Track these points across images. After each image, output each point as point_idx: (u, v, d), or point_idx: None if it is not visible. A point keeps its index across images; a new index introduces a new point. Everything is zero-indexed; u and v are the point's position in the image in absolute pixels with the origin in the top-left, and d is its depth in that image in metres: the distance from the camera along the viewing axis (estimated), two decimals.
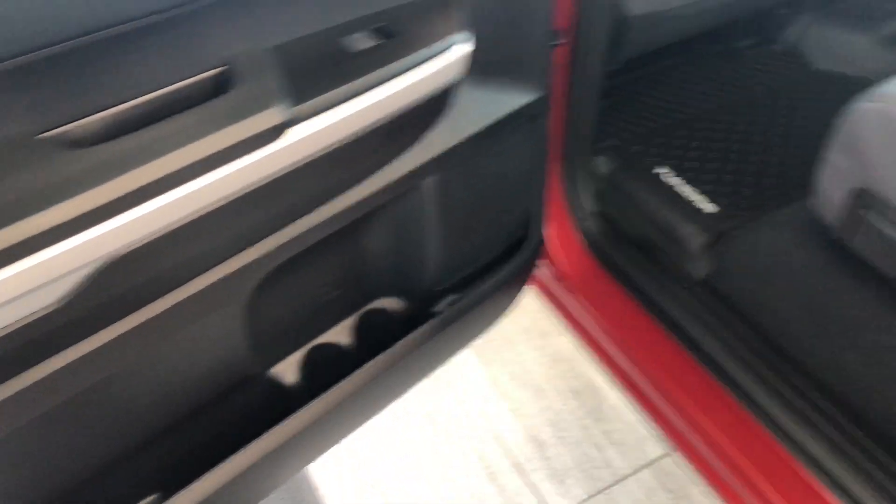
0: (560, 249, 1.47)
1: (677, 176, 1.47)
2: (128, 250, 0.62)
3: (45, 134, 0.57)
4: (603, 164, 1.52)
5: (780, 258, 1.24)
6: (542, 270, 1.54)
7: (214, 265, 0.72)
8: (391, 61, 0.74)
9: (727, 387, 1.17)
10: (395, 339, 1.00)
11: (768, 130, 1.56)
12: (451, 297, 1.12)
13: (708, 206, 1.40)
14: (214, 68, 0.64)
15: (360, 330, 1.05)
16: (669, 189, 1.44)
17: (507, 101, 0.98)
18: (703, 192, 1.43)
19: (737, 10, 1.58)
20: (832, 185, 1.09)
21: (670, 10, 1.42)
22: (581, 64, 1.26)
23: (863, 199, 1.05)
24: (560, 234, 1.47)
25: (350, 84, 0.71)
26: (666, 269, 1.36)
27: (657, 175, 1.48)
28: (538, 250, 1.25)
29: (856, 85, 1.16)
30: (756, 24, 1.76)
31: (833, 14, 1.79)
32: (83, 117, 0.59)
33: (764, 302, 1.23)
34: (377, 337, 1.01)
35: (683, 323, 1.29)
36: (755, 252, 1.27)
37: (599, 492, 1.49)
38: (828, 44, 1.75)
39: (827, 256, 1.18)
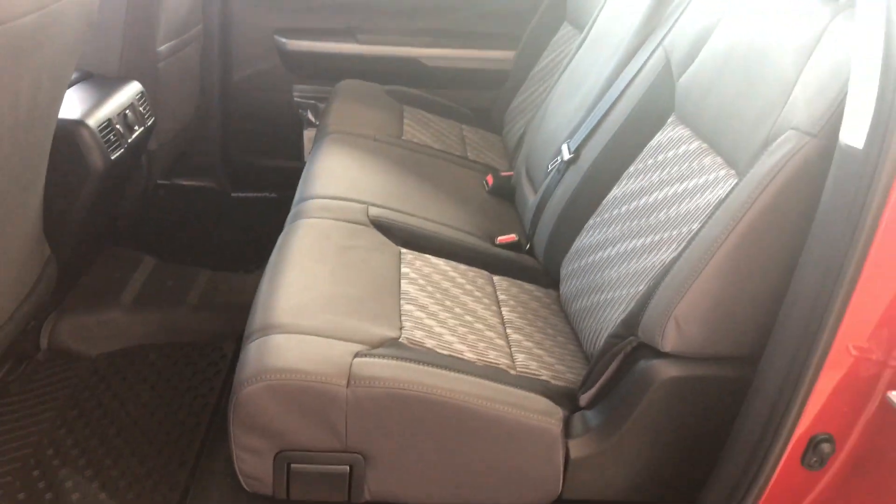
0: None
1: None
2: None
3: None
4: None
5: None
6: None
7: None
8: None
9: None
10: None
11: (104, 440, 1.47)
12: None
13: None
14: None
15: None
16: None
17: None
18: None
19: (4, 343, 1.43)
20: (254, 465, 1.12)
21: None
22: None
23: (285, 458, 1.12)
24: None
25: None
26: None
27: None
28: None
29: None
30: None
31: (76, 301, 1.79)
32: None
33: None
34: None
35: None
36: None
37: None
38: (89, 331, 1.74)
39: None
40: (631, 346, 1.17)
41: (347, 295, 1.30)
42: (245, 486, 1.16)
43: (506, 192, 2.00)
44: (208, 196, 2.57)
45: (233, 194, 2.61)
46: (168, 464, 1.42)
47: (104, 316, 1.78)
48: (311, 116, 2.61)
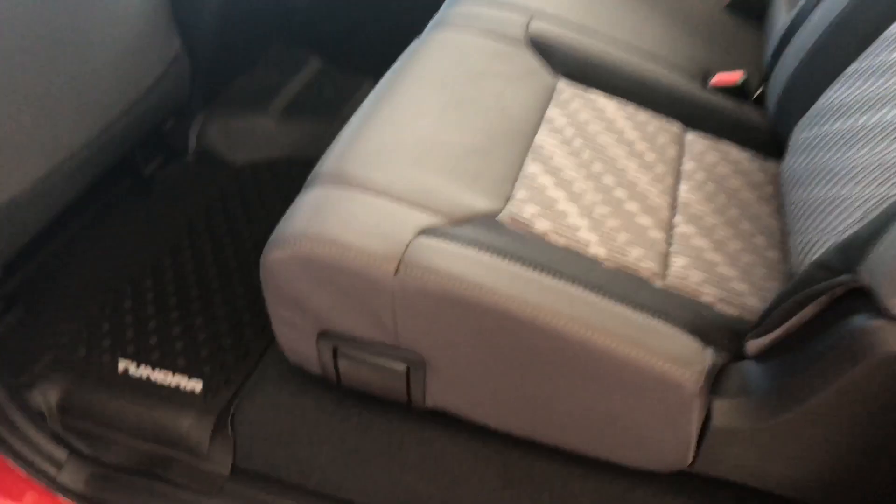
0: None
1: (144, 364, 1.18)
2: None
3: None
4: (45, 395, 1.15)
5: (292, 414, 1.04)
6: None
7: None
8: None
9: None
10: None
11: (220, 260, 1.35)
12: None
13: (194, 385, 1.15)
14: None
15: None
16: (143, 384, 1.15)
17: None
18: (182, 370, 1.16)
19: (125, 142, 1.33)
20: (295, 340, 0.91)
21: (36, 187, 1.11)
22: None
23: (329, 341, 0.90)
24: None
25: None
26: (181, 484, 1.08)
27: (125, 372, 1.17)
28: None
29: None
30: (153, 142, 1.54)
31: (228, 103, 1.66)
32: None
33: (301, 466, 1.03)
34: None
35: None
36: (266, 419, 1.05)
37: None
38: (236, 136, 1.61)
39: (331, 395, 1.02)
40: (843, 289, 0.72)
41: (452, 143, 0.97)
42: (290, 360, 0.97)
43: (753, 8, 1.44)
44: None
45: None
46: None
47: (251, 122, 1.63)
48: None
